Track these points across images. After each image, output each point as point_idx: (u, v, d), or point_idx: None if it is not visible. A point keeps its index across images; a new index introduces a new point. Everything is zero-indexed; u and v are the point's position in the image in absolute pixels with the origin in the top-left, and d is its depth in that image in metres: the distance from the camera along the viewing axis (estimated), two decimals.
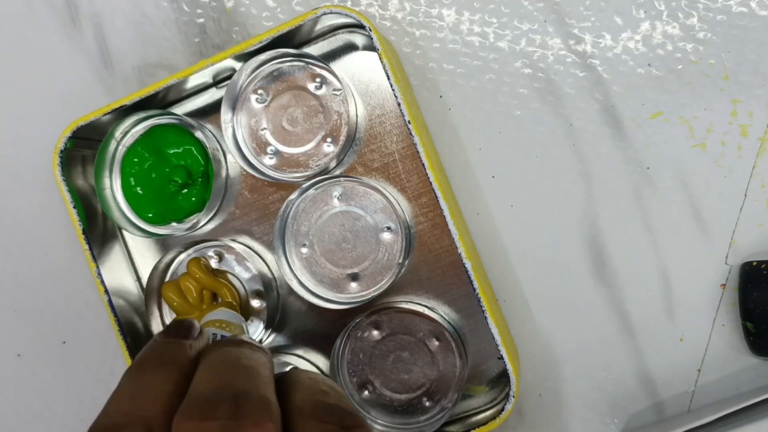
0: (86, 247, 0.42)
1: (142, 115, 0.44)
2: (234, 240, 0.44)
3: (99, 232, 0.44)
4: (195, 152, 0.44)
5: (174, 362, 0.28)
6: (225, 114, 0.43)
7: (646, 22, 0.44)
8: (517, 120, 0.44)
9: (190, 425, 0.24)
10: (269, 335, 0.44)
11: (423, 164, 0.40)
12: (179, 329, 0.31)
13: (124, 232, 0.46)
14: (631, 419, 0.44)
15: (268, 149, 0.43)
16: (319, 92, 0.43)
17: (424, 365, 0.42)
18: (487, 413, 0.42)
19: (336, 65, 0.44)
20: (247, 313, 0.44)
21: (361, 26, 0.41)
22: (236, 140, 0.43)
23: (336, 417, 0.26)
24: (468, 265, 0.40)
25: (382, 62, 0.40)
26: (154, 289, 0.44)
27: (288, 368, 0.31)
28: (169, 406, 0.26)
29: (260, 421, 0.24)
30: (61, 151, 0.43)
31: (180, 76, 0.42)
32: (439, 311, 0.43)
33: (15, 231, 0.48)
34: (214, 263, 0.44)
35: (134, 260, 0.46)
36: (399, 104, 0.40)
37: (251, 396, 0.26)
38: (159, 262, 0.44)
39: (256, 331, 0.44)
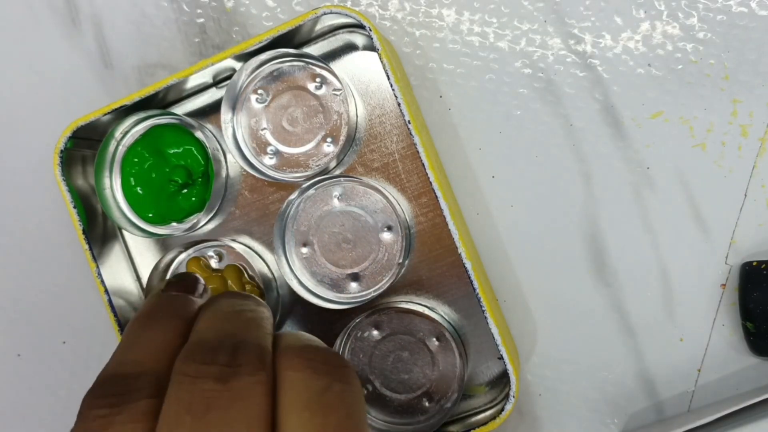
0: (86, 247, 0.42)
1: (142, 115, 0.44)
2: (234, 240, 0.44)
3: (99, 232, 0.44)
4: (195, 152, 0.44)
5: (181, 317, 0.29)
6: (225, 114, 0.43)
7: (646, 22, 0.44)
8: (517, 120, 0.44)
9: (190, 367, 0.26)
10: None
11: (423, 164, 0.40)
12: (187, 284, 0.32)
13: (124, 232, 0.46)
14: (631, 419, 0.44)
15: (268, 149, 0.43)
16: (319, 92, 0.43)
17: (424, 365, 0.42)
18: (487, 413, 0.42)
19: (336, 65, 0.44)
20: None
21: (361, 26, 0.41)
22: (236, 140, 0.43)
23: (321, 355, 0.27)
24: (468, 265, 0.40)
25: (382, 62, 0.40)
26: (154, 289, 0.44)
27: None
28: (175, 359, 0.27)
29: (254, 371, 0.26)
30: (61, 151, 0.43)
31: (180, 76, 0.42)
32: (439, 311, 0.43)
33: (15, 231, 0.48)
34: (214, 263, 0.44)
35: (134, 260, 0.46)
36: (399, 104, 0.40)
37: (250, 345, 0.27)
38: (159, 262, 0.44)
39: None
